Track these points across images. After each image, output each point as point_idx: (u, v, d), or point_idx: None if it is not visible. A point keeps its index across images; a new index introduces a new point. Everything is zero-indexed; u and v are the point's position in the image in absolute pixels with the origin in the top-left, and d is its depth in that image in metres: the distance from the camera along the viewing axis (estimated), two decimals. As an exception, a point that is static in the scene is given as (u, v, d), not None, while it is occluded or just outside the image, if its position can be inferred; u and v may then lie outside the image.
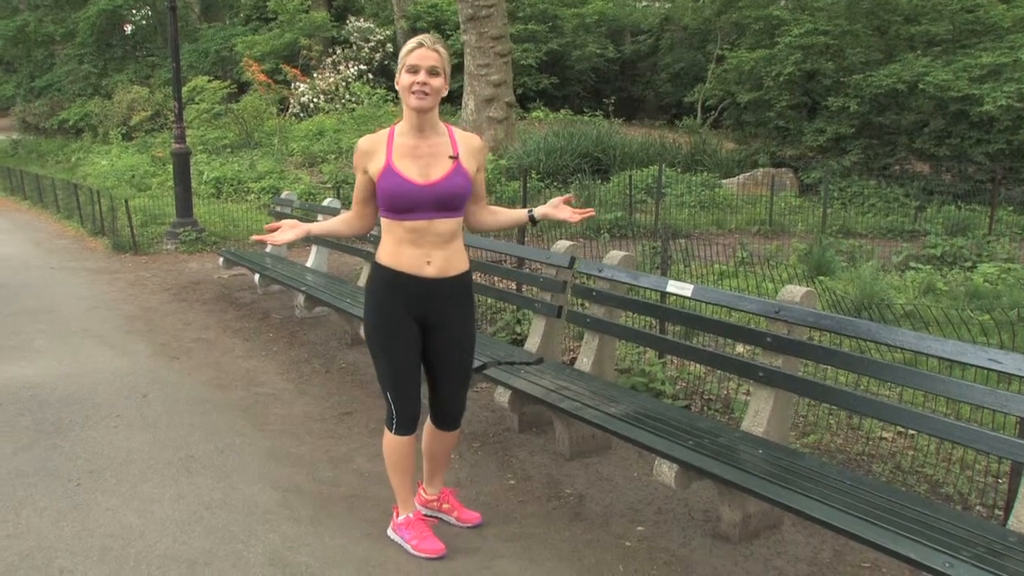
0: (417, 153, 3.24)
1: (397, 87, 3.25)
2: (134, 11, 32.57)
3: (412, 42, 3.22)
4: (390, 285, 3.30)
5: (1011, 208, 14.97)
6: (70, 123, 29.18)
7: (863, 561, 3.49)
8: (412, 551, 3.47)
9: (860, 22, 18.35)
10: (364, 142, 3.29)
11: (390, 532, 3.62)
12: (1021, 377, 3.01)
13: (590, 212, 3.58)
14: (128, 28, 33.37)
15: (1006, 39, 16.86)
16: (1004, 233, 13.01)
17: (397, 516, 3.58)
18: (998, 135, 16.15)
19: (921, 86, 16.25)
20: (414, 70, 3.15)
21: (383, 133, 3.30)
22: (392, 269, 3.28)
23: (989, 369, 3.04)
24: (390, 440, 3.46)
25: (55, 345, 6.70)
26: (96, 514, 3.82)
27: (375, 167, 3.23)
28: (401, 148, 3.24)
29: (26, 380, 5.77)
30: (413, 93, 3.15)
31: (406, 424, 3.41)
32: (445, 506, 3.77)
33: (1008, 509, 3.55)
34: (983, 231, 13.01)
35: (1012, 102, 15.27)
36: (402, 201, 3.20)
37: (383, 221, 3.31)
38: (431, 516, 3.74)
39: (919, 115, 17.11)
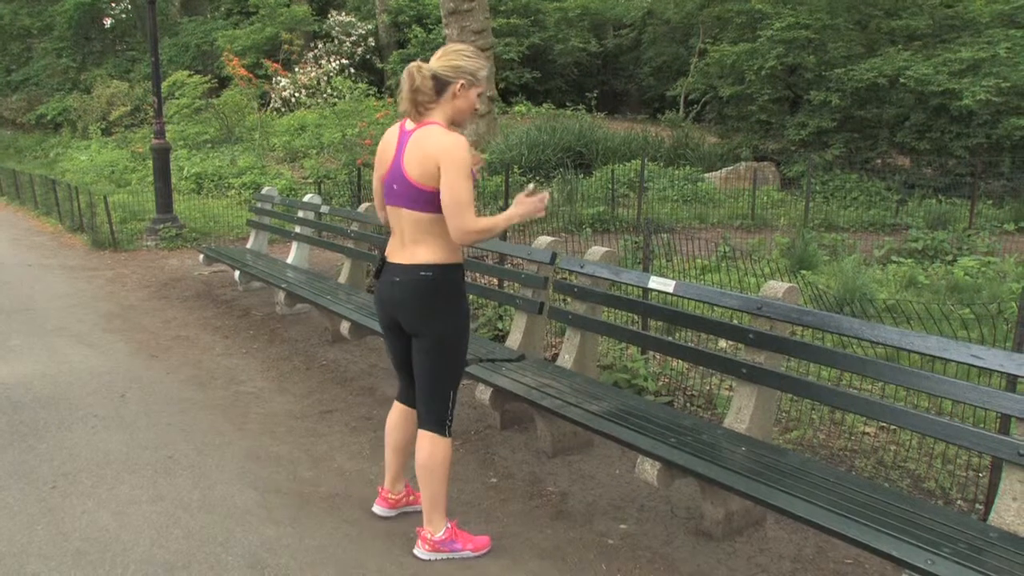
0: None
1: (459, 94, 3.25)
2: (113, 4, 32.22)
3: (484, 65, 3.29)
4: (463, 281, 3.37)
5: (990, 202, 15.07)
6: (48, 118, 28.86)
7: (846, 557, 3.48)
8: (474, 554, 3.44)
9: (841, 16, 18.38)
10: (464, 138, 3.22)
11: (428, 555, 3.41)
12: (1002, 373, 3.02)
13: None
14: (107, 22, 33.02)
15: (984, 34, 16.93)
16: (984, 227, 13.08)
17: (435, 533, 3.41)
18: (977, 129, 16.25)
19: (902, 80, 16.31)
20: (481, 95, 3.32)
21: (451, 130, 3.25)
22: (461, 264, 3.35)
23: (971, 365, 3.04)
24: (447, 445, 3.36)
25: (31, 344, 6.62)
26: (71, 517, 3.76)
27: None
28: None
29: (0, 380, 5.69)
30: (472, 113, 3.36)
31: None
32: (411, 498, 3.79)
33: (989, 504, 3.56)
34: (963, 225, 13.08)
35: (991, 96, 15.35)
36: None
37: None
38: (400, 513, 3.77)
39: (900, 109, 17.18)
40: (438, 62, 3.22)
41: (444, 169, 3.10)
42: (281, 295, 7.04)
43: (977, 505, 3.91)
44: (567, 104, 23.64)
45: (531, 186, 3.42)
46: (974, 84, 15.60)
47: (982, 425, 4.20)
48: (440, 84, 3.22)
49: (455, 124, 3.30)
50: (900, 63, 16.59)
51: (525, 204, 3.29)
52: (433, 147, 3.13)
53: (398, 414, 3.63)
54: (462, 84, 3.21)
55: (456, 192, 3.09)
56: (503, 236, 6.95)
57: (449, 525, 3.44)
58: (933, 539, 2.68)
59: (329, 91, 23.31)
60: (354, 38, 25.72)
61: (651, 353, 5.66)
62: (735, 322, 4.13)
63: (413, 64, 3.22)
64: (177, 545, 3.52)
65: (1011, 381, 3.31)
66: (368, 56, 25.52)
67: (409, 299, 3.27)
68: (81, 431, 4.78)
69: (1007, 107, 15.83)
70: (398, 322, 3.36)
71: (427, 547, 3.41)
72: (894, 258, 10.34)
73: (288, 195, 13.64)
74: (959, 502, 3.99)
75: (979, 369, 3.08)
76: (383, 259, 3.38)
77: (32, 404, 5.22)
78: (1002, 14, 17.44)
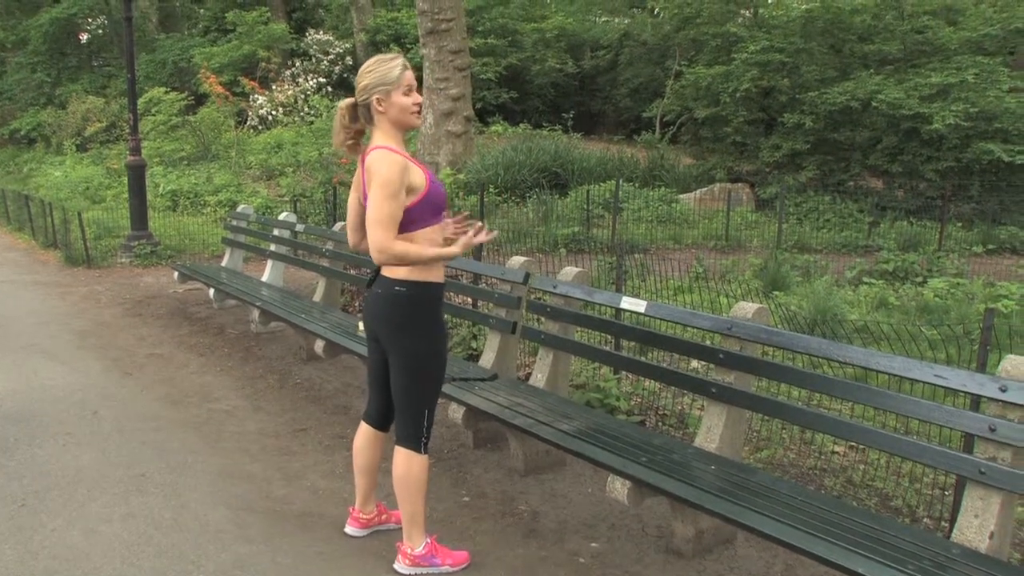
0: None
1: (383, 107, 3.23)
2: (89, 20, 32.04)
3: (397, 64, 3.24)
4: (440, 300, 3.39)
5: (960, 224, 15.31)
6: (22, 133, 28.60)
7: (814, 575, 3.53)
8: (453, 569, 3.46)
9: (815, 40, 18.67)
10: (401, 158, 3.18)
11: (408, 569, 3.43)
12: (965, 392, 3.08)
13: None
14: (83, 37, 32.82)
15: (953, 60, 17.25)
16: (953, 249, 13.30)
17: (415, 548, 3.42)
18: (947, 152, 16.52)
19: (874, 104, 16.57)
20: (411, 90, 3.26)
21: (391, 150, 3.22)
22: (440, 283, 3.36)
23: (935, 385, 3.11)
24: (423, 462, 3.38)
25: (1, 361, 6.55)
26: (40, 536, 3.73)
27: (419, 179, 3.23)
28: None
29: (-29, 397, 5.64)
30: (414, 113, 3.29)
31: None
32: (383, 517, 3.81)
33: (953, 522, 3.61)
34: (933, 247, 13.28)
35: (959, 121, 15.63)
36: (444, 205, 3.35)
37: (422, 236, 3.25)
38: (373, 532, 3.78)
39: (872, 132, 17.44)
40: (356, 95, 3.29)
41: (371, 187, 3.16)
42: (256, 313, 7.03)
43: (943, 523, 3.97)
44: (544, 124, 23.76)
45: (467, 212, 3.47)
46: (943, 108, 15.88)
47: (948, 444, 4.26)
48: (364, 110, 3.29)
49: (405, 128, 3.29)
50: (872, 87, 16.86)
51: (465, 241, 3.29)
52: (371, 169, 3.19)
53: (364, 436, 3.65)
54: (377, 98, 3.23)
55: (373, 207, 3.12)
56: (477, 255, 6.97)
57: (429, 540, 3.46)
58: (899, 556, 2.73)
59: (306, 109, 23.31)
60: (332, 56, 25.76)
61: (623, 373, 5.70)
62: (706, 342, 4.18)
63: (341, 102, 3.34)
64: (149, 564, 3.50)
65: (974, 401, 3.38)
66: (345, 75, 25.52)
67: (384, 312, 3.32)
68: (52, 448, 4.75)
69: (975, 131, 16.12)
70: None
71: (407, 562, 3.43)
72: (865, 279, 10.47)
73: (264, 213, 13.61)
74: (925, 520, 4.05)
75: (944, 389, 3.14)
76: (377, 270, 3.42)
77: (2, 421, 5.18)
78: (970, 41, 17.78)
